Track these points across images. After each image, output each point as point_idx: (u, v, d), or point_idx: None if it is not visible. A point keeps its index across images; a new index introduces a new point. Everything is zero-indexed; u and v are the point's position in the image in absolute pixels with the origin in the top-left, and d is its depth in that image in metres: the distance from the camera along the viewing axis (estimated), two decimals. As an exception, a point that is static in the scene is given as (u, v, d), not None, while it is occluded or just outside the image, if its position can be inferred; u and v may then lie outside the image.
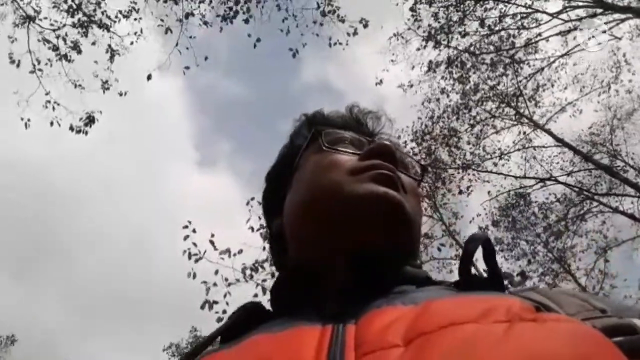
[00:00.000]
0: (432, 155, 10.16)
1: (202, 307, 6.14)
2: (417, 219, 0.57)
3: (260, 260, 6.86)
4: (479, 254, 0.48)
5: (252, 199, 7.00)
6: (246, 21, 7.74)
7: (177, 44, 7.97)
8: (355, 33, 8.08)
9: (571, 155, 10.23)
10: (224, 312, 6.01)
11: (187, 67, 8.15)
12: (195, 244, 6.43)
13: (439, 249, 9.69)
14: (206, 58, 8.28)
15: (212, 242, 6.42)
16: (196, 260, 6.37)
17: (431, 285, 0.50)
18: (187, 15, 7.79)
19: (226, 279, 6.50)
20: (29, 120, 7.42)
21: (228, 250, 6.46)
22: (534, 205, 10.77)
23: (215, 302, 6.19)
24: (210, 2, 7.90)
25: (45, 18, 7.58)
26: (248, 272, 6.75)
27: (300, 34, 8.16)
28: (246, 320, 0.48)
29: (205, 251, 6.44)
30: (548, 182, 10.31)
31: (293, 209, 0.59)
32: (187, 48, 8.00)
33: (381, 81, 10.28)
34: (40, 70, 7.46)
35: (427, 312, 0.35)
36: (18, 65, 7.26)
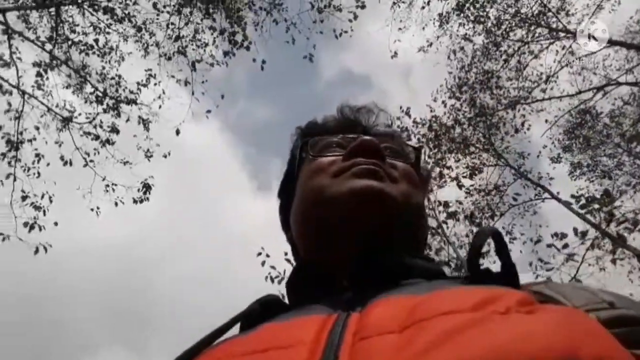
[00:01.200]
0: (476, 105, 9.73)
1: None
2: (411, 204, 0.57)
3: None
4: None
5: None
6: (247, 48, 7.90)
7: (192, 93, 8.29)
8: (355, 17, 7.96)
9: (624, 52, 9.38)
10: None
11: (209, 111, 8.43)
12: (273, 267, 6.60)
13: (514, 199, 9.25)
14: (222, 96, 8.52)
15: (288, 261, 6.56)
16: (279, 282, 6.54)
17: (442, 279, 0.50)
18: (193, 64, 8.08)
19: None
20: (97, 208, 8.04)
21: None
22: (603, 116, 9.99)
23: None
24: (214, 42, 8.18)
25: (80, 114, 8.22)
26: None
27: (305, 39, 8.19)
28: (263, 312, 0.50)
29: (285, 270, 6.59)
30: (608, 88, 9.51)
31: (294, 219, 0.63)
32: (203, 93, 8.30)
33: (396, 53, 10.06)
34: (91, 161, 8.07)
35: (427, 301, 0.36)
36: (71, 164, 7.92)
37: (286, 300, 0.56)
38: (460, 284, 0.45)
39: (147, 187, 8.20)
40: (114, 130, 8.26)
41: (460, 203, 8.80)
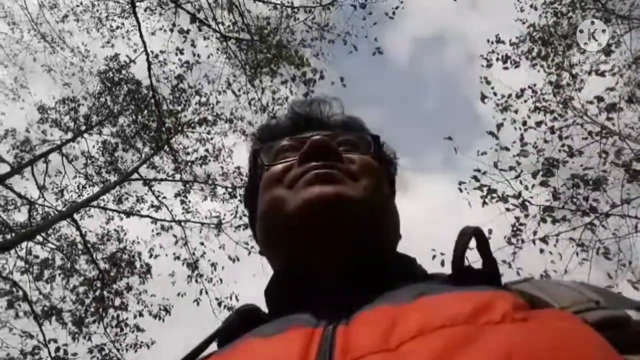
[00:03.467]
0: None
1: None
2: (375, 199, 0.54)
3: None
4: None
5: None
6: (322, 77, 8.10)
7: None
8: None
9: None
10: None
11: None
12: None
13: None
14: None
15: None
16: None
17: (425, 279, 0.49)
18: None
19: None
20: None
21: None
22: None
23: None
24: (292, 92, 8.61)
25: (224, 214, 9.12)
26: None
27: (364, 37, 8.17)
28: (241, 324, 0.47)
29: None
30: None
31: (259, 234, 0.60)
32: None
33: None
34: (252, 247, 8.74)
35: (418, 312, 0.35)
36: (238, 259, 8.73)
37: (265, 309, 0.54)
38: (444, 285, 0.43)
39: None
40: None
41: (612, 89, 7.51)
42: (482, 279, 0.42)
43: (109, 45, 10.13)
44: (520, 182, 6.09)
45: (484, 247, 0.45)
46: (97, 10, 10.10)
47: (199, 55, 8.64)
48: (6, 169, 8.66)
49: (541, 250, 6.25)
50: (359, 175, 0.55)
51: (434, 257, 6.03)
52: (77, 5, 10.13)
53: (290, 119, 0.68)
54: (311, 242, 0.51)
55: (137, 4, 7.70)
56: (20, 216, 9.07)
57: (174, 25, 8.17)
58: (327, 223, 0.50)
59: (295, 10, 8.39)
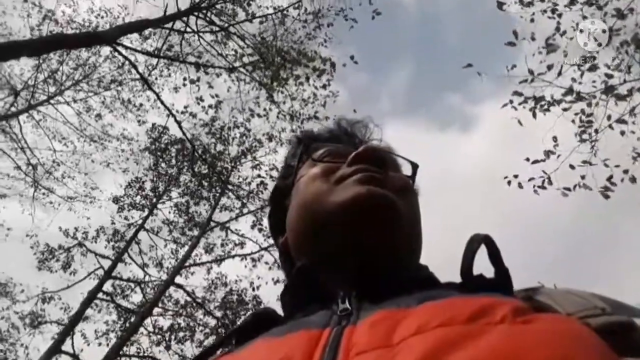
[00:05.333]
0: None
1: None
2: (411, 216, 0.56)
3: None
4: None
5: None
6: (332, 64, 8.03)
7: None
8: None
9: None
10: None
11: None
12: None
13: None
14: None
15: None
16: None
17: (436, 287, 0.49)
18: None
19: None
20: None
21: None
22: None
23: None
24: (316, 88, 8.65)
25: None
26: None
27: (358, 4, 7.97)
28: (257, 326, 0.48)
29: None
30: None
31: (291, 224, 0.61)
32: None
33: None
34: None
35: (420, 314, 0.36)
36: None
37: (281, 313, 0.55)
38: (453, 292, 0.43)
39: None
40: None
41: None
42: (493, 288, 0.41)
43: (143, 121, 10.93)
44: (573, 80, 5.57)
45: (494, 254, 0.45)
46: (121, 97, 10.94)
47: (217, 95, 8.98)
48: (108, 263, 9.65)
49: (622, 133, 5.68)
50: (401, 191, 0.56)
51: (509, 182, 5.82)
52: (102, 102, 11.07)
53: (335, 132, 0.71)
54: (349, 235, 0.52)
55: (148, 77, 8.22)
56: (137, 296, 10.07)
57: (184, 79, 8.60)
58: (373, 221, 0.51)
59: (285, 12, 8.42)
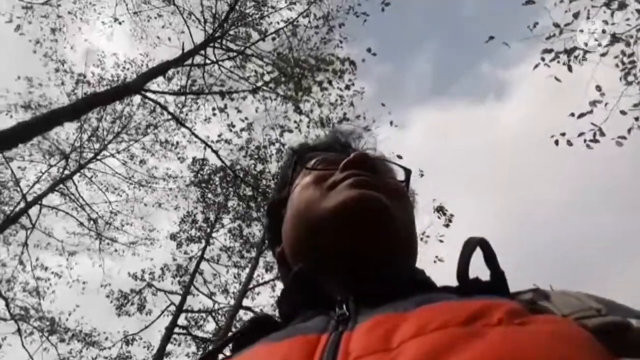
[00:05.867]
0: None
1: None
2: (405, 220, 0.56)
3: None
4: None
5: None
6: (374, 55, 8.01)
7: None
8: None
9: None
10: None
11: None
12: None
13: None
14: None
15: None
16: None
17: (433, 290, 0.49)
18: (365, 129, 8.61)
19: None
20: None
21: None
22: None
23: None
24: (340, 90, 8.66)
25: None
26: None
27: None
28: (255, 332, 0.48)
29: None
30: None
31: (286, 232, 0.61)
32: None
33: None
34: None
35: (417, 317, 0.36)
36: None
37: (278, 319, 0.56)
38: (450, 295, 0.43)
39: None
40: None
41: None
42: (489, 290, 0.42)
43: (183, 157, 11.35)
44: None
45: (490, 257, 0.45)
46: (159, 139, 11.42)
47: (246, 118, 9.19)
48: (178, 298, 10.03)
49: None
50: (394, 195, 0.56)
51: (556, 142, 5.58)
52: (143, 147, 11.59)
53: (329, 142, 0.73)
54: (342, 240, 0.52)
55: (179, 115, 8.54)
56: (210, 325, 10.40)
57: (213, 109, 8.86)
58: (365, 224, 0.51)
59: (295, 23, 8.51)
